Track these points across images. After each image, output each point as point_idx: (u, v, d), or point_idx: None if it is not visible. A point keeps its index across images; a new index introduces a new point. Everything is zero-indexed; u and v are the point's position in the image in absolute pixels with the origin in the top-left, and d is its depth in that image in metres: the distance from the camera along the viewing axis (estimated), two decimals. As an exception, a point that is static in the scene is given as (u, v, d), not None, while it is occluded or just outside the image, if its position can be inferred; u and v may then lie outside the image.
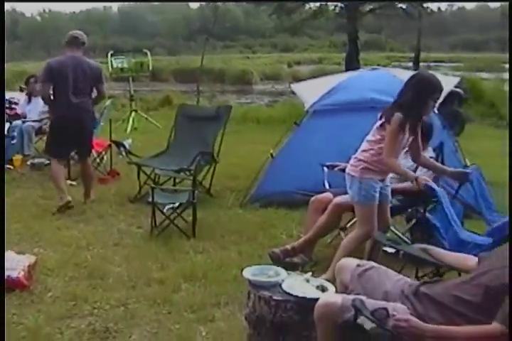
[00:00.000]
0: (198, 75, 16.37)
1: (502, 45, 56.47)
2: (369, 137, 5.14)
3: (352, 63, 14.12)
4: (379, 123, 5.06)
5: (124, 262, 5.60)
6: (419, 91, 4.88)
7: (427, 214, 5.37)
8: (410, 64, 19.13)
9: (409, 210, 5.89)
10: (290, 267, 4.96)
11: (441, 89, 4.96)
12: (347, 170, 5.15)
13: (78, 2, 54.88)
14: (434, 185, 5.07)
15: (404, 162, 5.70)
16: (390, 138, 4.89)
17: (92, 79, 7.19)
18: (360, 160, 5.06)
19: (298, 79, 16.78)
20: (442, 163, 5.83)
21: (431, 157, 5.72)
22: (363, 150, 5.11)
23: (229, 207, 7.34)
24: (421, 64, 26.60)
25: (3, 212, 4.88)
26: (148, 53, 14.54)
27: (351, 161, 5.16)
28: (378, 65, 25.75)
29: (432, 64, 34.14)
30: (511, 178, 3.70)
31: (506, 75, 24.08)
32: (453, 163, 6.79)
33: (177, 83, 26.23)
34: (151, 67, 14.62)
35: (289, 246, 5.41)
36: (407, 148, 5.57)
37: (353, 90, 7.42)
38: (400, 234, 5.66)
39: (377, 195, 5.04)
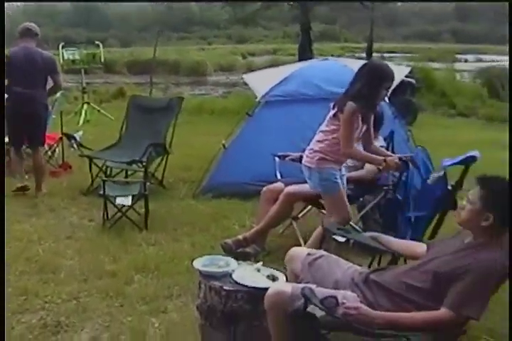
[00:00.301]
0: (151, 67, 16.23)
1: (454, 36, 57.21)
2: (323, 127, 5.14)
3: (305, 54, 14.15)
4: (332, 113, 5.06)
5: (76, 255, 5.56)
6: (371, 79, 4.90)
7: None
8: (364, 54, 19.24)
9: (361, 199, 5.94)
10: (242, 257, 4.99)
11: (392, 78, 4.98)
12: (303, 162, 5.15)
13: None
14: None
15: None
16: (344, 127, 4.90)
17: (45, 70, 7.14)
18: (315, 151, 5.06)
19: (252, 70, 16.80)
20: (393, 151, 5.87)
21: (381, 146, 5.76)
22: (318, 141, 5.10)
23: (181, 198, 7.31)
24: (374, 54, 26.80)
25: (3, 212, 4.82)
26: (101, 45, 14.41)
27: (306, 152, 5.16)
28: (332, 55, 25.85)
29: (386, 54, 34.40)
30: (511, 175, 3.73)
31: (458, 65, 24.39)
32: (404, 152, 6.85)
33: (131, 75, 25.98)
34: (103, 59, 14.48)
35: (241, 237, 5.41)
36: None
37: (303, 80, 7.45)
38: (352, 223, 5.69)
39: (339, 180, 5.06)
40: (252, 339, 3.69)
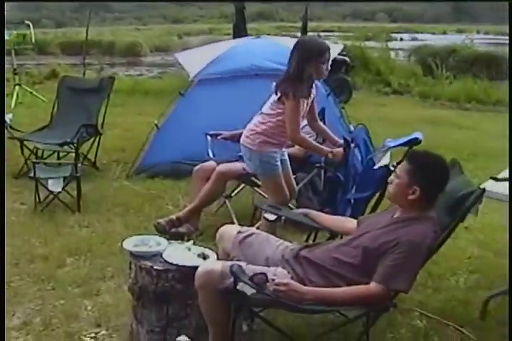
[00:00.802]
0: (83, 47, 15.94)
1: (390, 16, 57.77)
2: (266, 110, 5.01)
3: (240, 33, 14.05)
4: (276, 97, 4.96)
5: (7, 239, 5.44)
6: (304, 55, 4.82)
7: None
8: (300, 34, 19.23)
9: (294, 177, 5.95)
10: (176, 237, 4.97)
11: (324, 50, 4.87)
12: (243, 142, 5.05)
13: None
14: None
15: None
16: (291, 114, 4.79)
17: None
18: (258, 133, 4.95)
19: (187, 49, 16.63)
20: (324, 129, 5.89)
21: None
22: (261, 123, 4.99)
23: (115, 179, 7.22)
24: (310, 33, 26.83)
25: (2, 212, 4.69)
26: (31, 25, 14.05)
27: (247, 133, 5.06)
28: (268, 34, 25.80)
29: (322, 33, 34.49)
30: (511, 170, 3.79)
31: (393, 44, 24.63)
32: (337, 129, 6.91)
33: (64, 56, 25.50)
34: (34, 40, 14.15)
35: (174, 216, 5.37)
36: None
37: (236, 58, 7.41)
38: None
39: (279, 163, 5.03)
40: (185, 318, 3.67)
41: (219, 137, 5.97)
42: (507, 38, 34.71)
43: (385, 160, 4.23)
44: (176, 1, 56.98)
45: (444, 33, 47.73)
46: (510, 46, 14.35)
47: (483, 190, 3.32)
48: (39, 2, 55.88)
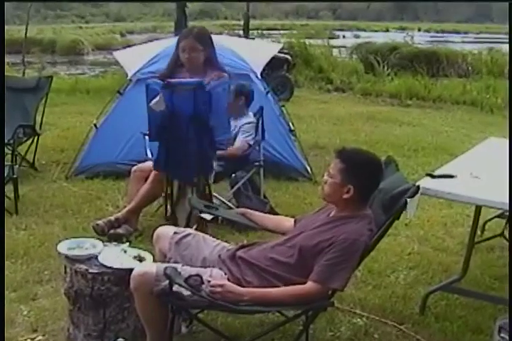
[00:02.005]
0: (23, 46, 15.69)
1: (333, 13, 58.15)
2: None
3: (181, 31, 13.93)
4: None
5: None
6: None
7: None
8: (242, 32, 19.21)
9: (233, 176, 5.94)
10: (115, 238, 4.91)
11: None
12: None
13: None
14: None
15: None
16: None
17: None
18: None
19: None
20: (262, 127, 5.90)
21: (250, 122, 5.79)
22: None
23: (54, 180, 7.07)
24: (254, 31, 26.85)
25: (3, 212, 4.52)
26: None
27: None
28: (211, 32, 25.72)
29: (265, 31, 34.58)
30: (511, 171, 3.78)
31: (336, 42, 24.83)
32: (276, 127, 6.94)
33: (6, 55, 25.07)
34: (-29, 38, 13.86)
35: (112, 217, 5.30)
36: None
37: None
38: (224, 200, 5.70)
39: None
40: (123, 321, 3.63)
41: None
42: (445, 35, 35.31)
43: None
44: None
45: (387, 30, 48.31)
46: (510, 46, 14.52)
47: (418, 187, 3.33)
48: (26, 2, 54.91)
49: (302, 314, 3.36)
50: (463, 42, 27.34)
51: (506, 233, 5.29)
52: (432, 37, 35.15)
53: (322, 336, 3.92)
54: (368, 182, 3.30)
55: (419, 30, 46.57)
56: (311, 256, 3.24)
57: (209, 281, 3.13)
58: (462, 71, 17.30)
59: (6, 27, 26.91)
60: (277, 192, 6.77)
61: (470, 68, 17.10)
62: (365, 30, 46.99)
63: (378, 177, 3.35)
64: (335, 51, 20.18)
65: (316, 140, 9.14)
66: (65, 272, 3.68)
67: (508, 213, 4.85)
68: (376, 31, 46.40)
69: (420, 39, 22.16)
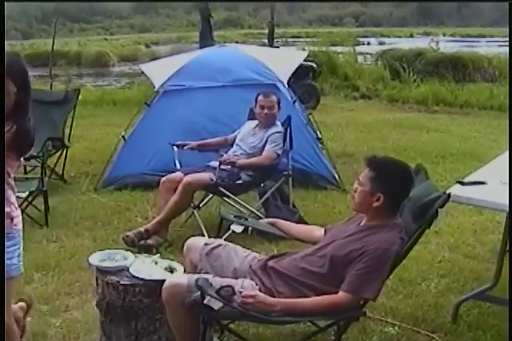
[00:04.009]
0: (49, 59, 15.80)
1: (356, 20, 58.11)
2: None
3: (206, 41, 13.99)
4: None
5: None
6: None
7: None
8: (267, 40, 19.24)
9: (262, 185, 5.94)
10: (145, 249, 4.93)
11: None
12: None
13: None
14: None
15: (252, 139, 5.79)
16: None
17: None
18: None
19: (156, 59, 16.60)
20: (290, 136, 5.90)
21: (279, 132, 5.79)
22: None
23: (83, 192, 7.13)
24: (279, 40, 26.88)
25: (3, 212, 4.57)
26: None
27: None
28: (237, 42, 25.81)
29: (290, 39, 34.65)
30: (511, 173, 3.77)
31: (361, 49, 24.75)
32: (304, 136, 6.94)
33: (32, 68, 25.28)
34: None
35: (142, 229, 5.33)
36: (257, 123, 5.70)
37: (200, 69, 7.37)
38: (253, 210, 5.70)
39: None
40: (154, 333, 3.64)
41: (185, 147, 5.94)
42: (472, 39, 35.08)
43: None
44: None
45: (411, 36, 48.17)
46: (511, 46, 14.41)
47: (449, 195, 3.31)
48: (5, 12, 55.35)
49: (334, 324, 3.36)
50: (488, 46, 27.13)
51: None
52: (457, 42, 34.90)
53: (354, 345, 3.90)
54: (398, 191, 3.29)
55: (443, 35, 46.37)
56: (342, 266, 3.23)
57: (240, 292, 3.12)
58: (489, 76, 17.12)
59: (32, 41, 27.28)
60: (306, 201, 6.75)
61: (496, 72, 16.92)
62: (389, 37, 46.85)
63: (408, 185, 3.33)
64: (360, 58, 20.11)
65: (343, 148, 9.11)
66: (97, 284, 3.69)
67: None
68: (400, 37, 46.30)
69: (445, 44, 21.99)
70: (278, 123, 5.92)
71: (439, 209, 3.23)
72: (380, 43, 36.28)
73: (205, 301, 3.03)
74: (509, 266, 4.12)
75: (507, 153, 4.70)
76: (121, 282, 3.55)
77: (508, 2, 8.69)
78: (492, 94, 14.32)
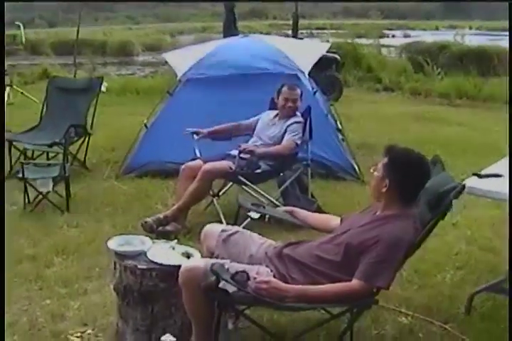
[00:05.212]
0: (74, 47, 15.92)
1: (382, 12, 57.73)
2: None
3: (230, 31, 14.01)
4: None
5: (-4, 239, 5.46)
6: None
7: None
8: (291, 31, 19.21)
9: (281, 175, 5.98)
10: (163, 236, 4.99)
11: None
12: None
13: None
14: None
15: (272, 129, 5.83)
16: None
17: None
18: None
19: (179, 48, 16.66)
20: (310, 126, 5.92)
21: (298, 122, 5.82)
22: None
23: (104, 179, 7.22)
24: (304, 31, 26.81)
25: (3, 212, 4.69)
26: (21, 26, 14.04)
27: None
28: (261, 32, 25.77)
29: (314, 31, 34.54)
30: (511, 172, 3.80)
31: (386, 41, 24.65)
32: (324, 127, 6.96)
33: (56, 56, 25.47)
34: (23, 41, 14.15)
35: (161, 215, 5.40)
36: (277, 113, 5.73)
37: (223, 58, 7.42)
38: (272, 199, 5.74)
39: None
40: (170, 317, 3.70)
41: (197, 137, 6.01)
42: (498, 33, 34.73)
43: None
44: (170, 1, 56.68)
45: (437, 29, 47.80)
46: (511, 45, 14.33)
47: (463, 186, 3.33)
48: (31, 2, 55.76)
49: (347, 311, 3.40)
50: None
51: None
52: (483, 35, 34.60)
53: (367, 334, 3.94)
54: (407, 180, 3.32)
55: (470, 28, 45.97)
56: (356, 254, 3.27)
57: (255, 278, 3.17)
58: (514, 69, 17.00)
59: (57, 29, 27.35)
60: (325, 191, 6.78)
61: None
62: (414, 29, 46.52)
63: (421, 177, 3.36)
64: (384, 50, 20.05)
65: (364, 139, 9.11)
66: (115, 268, 3.76)
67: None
68: (425, 30, 45.96)
69: (471, 38, 21.82)
70: (298, 113, 5.95)
71: (454, 200, 3.26)
72: (405, 36, 36.01)
73: (220, 285, 3.09)
74: (509, 258, 4.13)
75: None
76: (139, 266, 3.61)
77: (508, 2, 8.64)
78: (516, 88, 14.21)
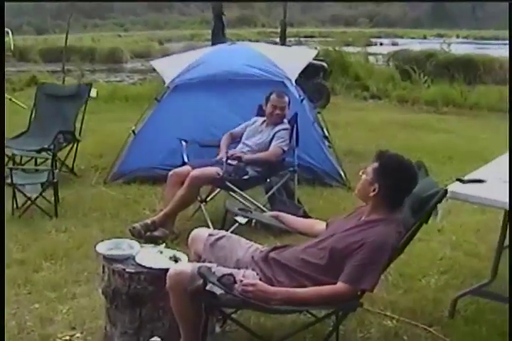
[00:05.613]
0: (63, 54, 15.94)
1: (370, 20, 57.95)
2: None
3: (218, 39, 14.08)
4: None
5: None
6: None
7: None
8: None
9: (268, 181, 6.04)
10: (151, 241, 5.03)
11: None
12: None
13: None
14: None
15: (259, 136, 5.89)
16: None
17: None
18: None
19: (168, 55, 16.70)
20: (297, 133, 5.99)
21: (285, 129, 5.88)
22: None
23: (93, 185, 7.26)
24: (292, 39, 26.91)
25: (2, 212, 4.71)
26: (10, 32, 14.04)
27: None
28: (250, 40, 25.86)
29: (302, 39, 34.68)
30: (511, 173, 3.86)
31: (374, 49, 24.79)
32: (311, 134, 7.02)
33: (44, 63, 25.44)
34: (12, 47, 14.15)
35: (149, 221, 5.44)
36: (264, 120, 5.78)
37: (210, 64, 7.47)
38: (259, 205, 5.79)
39: None
40: (158, 320, 3.74)
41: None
42: (485, 42, 34.89)
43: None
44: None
45: (425, 37, 48.06)
46: (511, 46, 14.44)
47: (446, 190, 3.40)
48: (19, 8, 55.63)
49: (332, 314, 3.45)
50: (502, 48, 27.13)
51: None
52: (470, 44, 34.80)
53: (352, 337, 4.00)
54: (395, 185, 3.38)
55: (457, 37, 46.25)
56: (341, 258, 3.33)
57: (241, 280, 3.22)
58: (500, 78, 17.11)
59: (45, 36, 27.24)
60: (312, 197, 6.84)
61: (507, 75, 16.91)
62: (402, 38, 46.75)
63: (408, 183, 3.43)
64: (372, 59, 20.15)
65: (351, 146, 9.18)
66: (103, 271, 3.81)
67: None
68: (414, 38, 46.20)
69: (458, 46, 21.96)
70: (285, 120, 6.01)
71: (437, 205, 3.33)
72: (393, 44, 36.23)
73: (207, 288, 3.13)
74: (509, 263, 4.20)
75: (508, 153, 4.79)
76: (127, 270, 3.66)
77: (508, 2, 8.74)
78: (502, 97, 14.29)
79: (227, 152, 5.90)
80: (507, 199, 3.60)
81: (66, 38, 14.31)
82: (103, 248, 3.87)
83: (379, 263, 3.28)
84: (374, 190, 3.39)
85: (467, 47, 25.73)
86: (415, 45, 25.67)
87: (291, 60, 7.96)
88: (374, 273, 3.26)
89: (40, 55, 27.56)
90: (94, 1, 52.85)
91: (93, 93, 7.89)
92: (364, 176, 3.49)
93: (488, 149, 9.46)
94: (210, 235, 3.81)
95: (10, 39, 13.93)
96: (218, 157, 5.92)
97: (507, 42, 18.52)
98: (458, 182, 3.93)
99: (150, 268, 3.64)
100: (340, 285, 3.26)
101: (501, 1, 22.13)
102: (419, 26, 59.42)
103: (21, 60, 25.56)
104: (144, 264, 3.66)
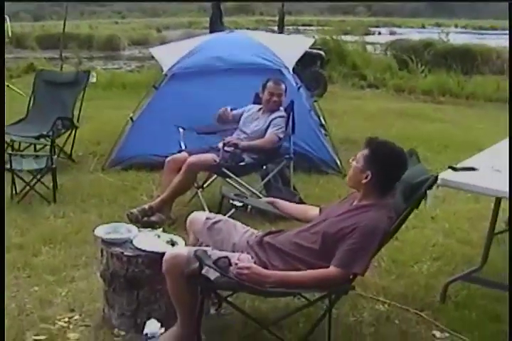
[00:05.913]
0: (60, 41, 15.93)
1: (369, 9, 57.80)
2: None
3: (216, 27, 14.05)
4: None
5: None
6: None
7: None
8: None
9: (264, 168, 6.10)
10: (148, 226, 5.09)
11: None
12: None
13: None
14: None
15: (255, 123, 5.94)
16: None
17: None
18: None
19: (166, 43, 16.68)
20: (293, 121, 6.05)
21: (281, 116, 5.94)
22: None
23: (91, 171, 7.34)
24: (290, 27, 26.88)
25: (2, 211, 4.76)
26: (7, 19, 14.03)
27: None
28: (248, 28, 25.84)
29: (301, 27, 34.64)
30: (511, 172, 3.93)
31: (372, 38, 24.79)
32: (307, 122, 7.08)
33: (42, 50, 25.41)
34: (10, 34, 14.14)
35: (146, 206, 5.51)
36: (261, 107, 5.83)
37: (208, 53, 7.53)
38: (255, 191, 5.86)
39: None
40: (155, 302, 3.82)
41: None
42: (483, 32, 34.85)
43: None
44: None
45: (423, 26, 48.01)
46: (510, 45, 14.48)
47: (436, 177, 3.47)
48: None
49: (325, 297, 3.52)
50: (500, 38, 27.15)
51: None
52: (468, 33, 34.77)
53: (345, 320, 4.08)
54: (386, 172, 3.46)
55: (455, 26, 46.22)
56: (334, 242, 3.40)
57: (236, 264, 3.29)
58: (497, 68, 17.14)
59: (42, 22, 27.09)
60: (307, 184, 6.91)
61: (505, 65, 16.88)
62: (400, 27, 46.70)
63: (398, 169, 3.50)
64: (369, 48, 20.16)
65: (347, 135, 9.23)
66: (102, 255, 3.88)
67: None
68: (412, 28, 46.15)
69: (456, 36, 21.96)
70: (281, 108, 6.07)
71: (428, 191, 3.40)
72: (391, 33, 36.20)
73: (202, 271, 3.21)
74: (509, 249, 4.26)
75: (502, 142, 4.86)
76: (125, 253, 3.74)
77: (508, 2, 8.77)
78: (499, 87, 14.38)
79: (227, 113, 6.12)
80: (498, 187, 3.68)
81: (64, 25, 14.26)
82: (101, 232, 3.95)
83: (370, 248, 3.35)
84: (366, 177, 3.46)
85: (465, 36, 25.72)
86: (413, 35, 25.70)
87: (288, 48, 8.00)
88: (365, 258, 3.34)
89: (37, 41, 27.49)
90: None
91: (93, 78, 7.92)
92: (354, 163, 3.55)
93: (484, 139, 9.49)
94: (207, 218, 3.88)
95: (8, 26, 13.91)
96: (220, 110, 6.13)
97: (505, 32, 18.56)
98: (450, 170, 4.00)
99: (148, 251, 3.72)
100: (332, 269, 3.33)
101: (501, 0, 22.09)
102: (418, 15, 59.32)
103: (18, 47, 25.49)
104: (141, 248, 3.74)
